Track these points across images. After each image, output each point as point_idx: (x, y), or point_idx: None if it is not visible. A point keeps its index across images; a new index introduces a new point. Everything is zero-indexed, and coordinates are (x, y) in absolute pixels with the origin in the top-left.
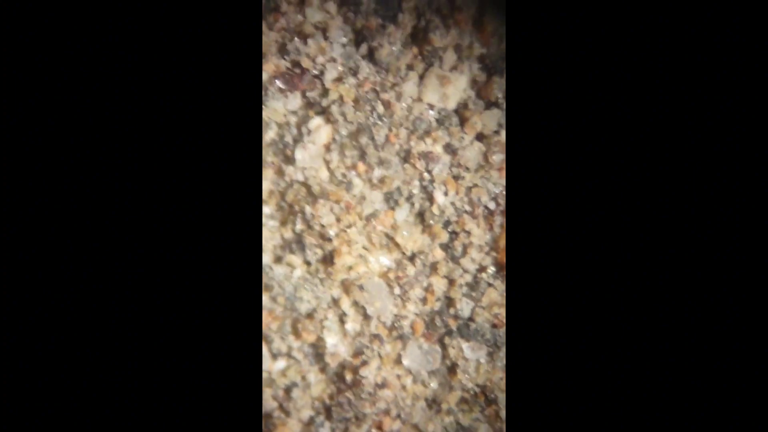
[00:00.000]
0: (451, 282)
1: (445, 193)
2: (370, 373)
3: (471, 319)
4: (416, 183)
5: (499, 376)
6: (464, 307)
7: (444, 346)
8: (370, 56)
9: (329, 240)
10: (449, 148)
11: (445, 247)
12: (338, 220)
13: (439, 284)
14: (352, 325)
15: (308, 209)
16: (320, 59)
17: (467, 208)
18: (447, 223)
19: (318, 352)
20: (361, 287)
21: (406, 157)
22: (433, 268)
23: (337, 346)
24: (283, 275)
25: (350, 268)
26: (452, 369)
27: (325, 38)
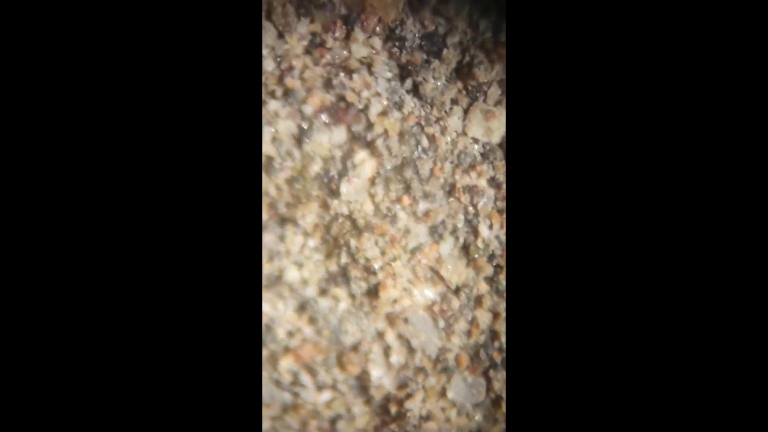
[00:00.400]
0: (496, 315)
1: (490, 227)
2: (414, 406)
3: None
4: (461, 217)
5: None
6: None
7: (488, 379)
8: (415, 91)
9: (374, 273)
10: (493, 182)
11: (490, 281)
12: (383, 253)
13: (484, 317)
14: (397, 357)
15: (353, 242)
16: (365, 93)
17: None
18: (491, 257)
19: (363, 384)
20: (405, 320)
21: (450, 190)
22: (478, 301)
23: (381, 378)
24: (328, 308)
25: (395, 301)
26: (497, 402)
27: (370, 73)
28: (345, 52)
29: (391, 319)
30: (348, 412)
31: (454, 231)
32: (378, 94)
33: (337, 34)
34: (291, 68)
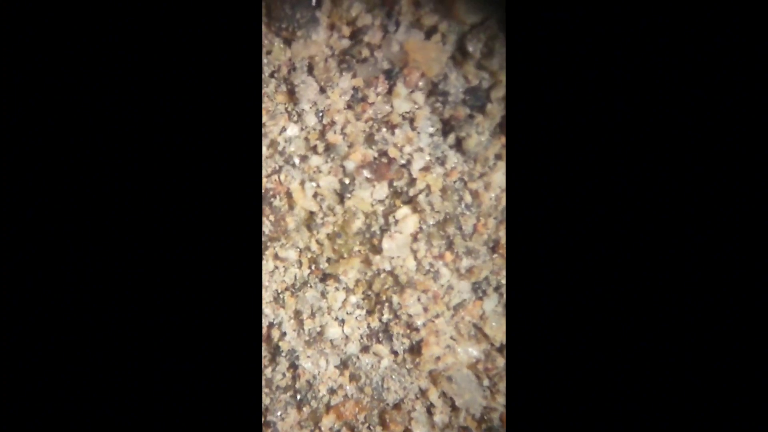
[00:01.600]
0: None
1: None
2: None
3: None
4: (504, 273)
5: None
6: None
7: None
8: (458, 146)
9: (417, 330)
10: None
11: None
12: (425, 309)
13: None
14: (441, 416)
15: (395, 299)
16: (407, 149)
17: None
18: None
19: None
20: (449, 378)
21: (494, 246)
22: None
23: None
24: (370, 365)
25: (438, 358)
26: None
27: (413, 128)
28: (387, 107)
29: (434, 377)
30: None
31: (498, 288)
32: (420, 150)
33: (379, 89)
34: (333, 123)
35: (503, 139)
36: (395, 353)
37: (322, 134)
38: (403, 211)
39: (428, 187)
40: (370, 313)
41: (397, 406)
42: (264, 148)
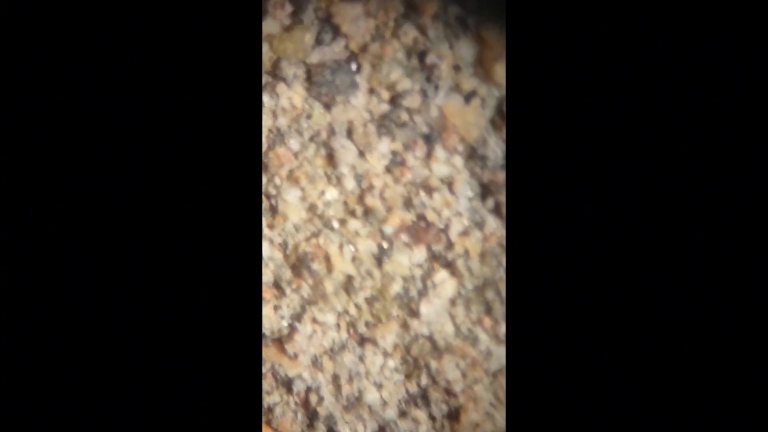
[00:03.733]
0: None
1: None
2: None
3: None
4: None
5: None
6: None
7: None
8: (497, 210)
9: (455, 396)
10: None
11: None
12: (464, 375)
13: None
14: None
15: (434, 364)
16: (446, 213)
17: None
18: None
19: None
20: None
21: None
22: None
23: None
24: (408, 430)
25: (477, 425)
26: None
27: (451, 192)
28: (426, 171)
29: None
30: None
31: None
32: (459, 214)
33: (418, 153)
34: (371, 187)
35: None
36: (433, 419)
37: (361, 198)
38: (442, 275)
39: (467, 251)
40: (408, 377)
41: None
42: (303, 212)
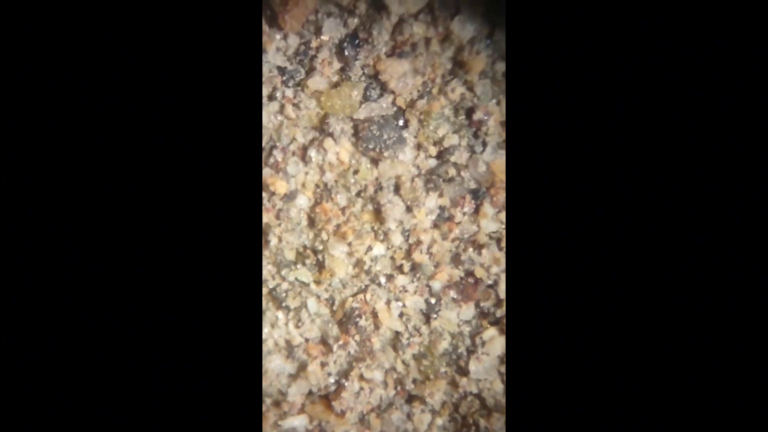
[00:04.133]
0: None
1: None
2: None
3: None
4: None
5: None
6: None
7: None
8: None
9: None
10: None
11: None
12: None
13: None
14: None
15: (482, 422)
16: (494, 269)
17: None
18: None
19: None
20: None
21: None
22: None
23: None
24: None
25: None
26: None
27: (500, 248)
28: (474, 227)
29: None
30: None
31: None
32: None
33: (465, 209)
34: (419, 243)
35: None
36: None
37: (409, 254)
38: (490, 332)
39: None
40: None
41: None
42: (350, 267)
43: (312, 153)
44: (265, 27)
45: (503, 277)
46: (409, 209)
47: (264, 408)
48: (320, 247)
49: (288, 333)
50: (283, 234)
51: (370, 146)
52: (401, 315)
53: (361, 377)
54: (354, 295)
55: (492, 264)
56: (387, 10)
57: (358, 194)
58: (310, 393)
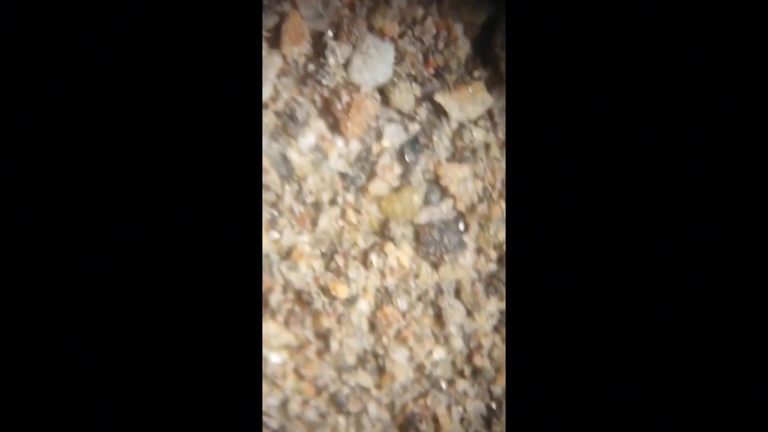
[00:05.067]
0: None
1: None
2: None
3: None
4: None
5: None
6: None
7: None
8: None
9: None
10: None
11: None
12: None
13: None
14: None
15: None
16: None
17: None
18: None
19: None
20: None
21: None
22: None
23: None
24: None
25: None
26: None
27: None
28: None
29: None
30: None
31: None
32: None
33: None
34: (480, 347)
35: None
36: None
37: (469, 358)
38: None
39: None
40: None
41: None
42: (410, 372)
43: (373, 257)
44: (327, 133)
45: None
46: (469, 313)
47: None
48: (381, 352)
49: None
50: (344, 339)
51: (431, 250)
52: (462, 420)
53: None
54: (414, 399)
55: None
56: (447, 116)
57: (419, 298)
58: None
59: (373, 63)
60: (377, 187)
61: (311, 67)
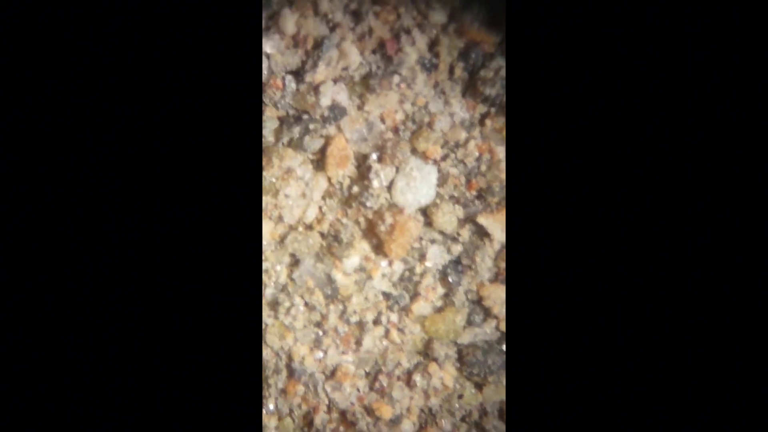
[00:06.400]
0: None
1: None
2: None
3: None
4: None
5: None
6: None
7: None
8: None
9: None
10: None
11: None
12: None
13: None
14: None
15: None
16: None
17: None
18: None
19: None
20: None
21: None
22: None
23: None
24: None
25: None
26: None
27: None
28: None
29: None
30: None
31: None
32: None
33: None
34: None
35: None
36: None
37: None
38: None
39: None
40: None
41: None
42: None
43: (417, 378)
44: (371, 254)
45: None
46: None
47: None
48: None
49: None
50: None
51: (474, 371)
52: None
53: None
54: None
55: None
56: (490, 237)
57: (463, 419)
58: None
59: (417, 185)
60: (420, 307)
61: (356, 189)
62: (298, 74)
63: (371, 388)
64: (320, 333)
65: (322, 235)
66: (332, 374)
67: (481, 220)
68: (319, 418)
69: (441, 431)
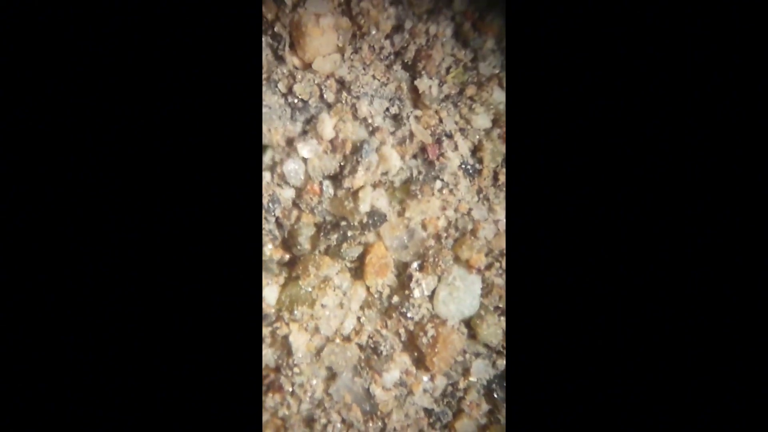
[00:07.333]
0: None
1: None
2: None
3: None
4: None
5: None
6: None
7: None
8: None
9: None
10: None
11: None
12: None
13: None
14: None
15: None
16: None
17: None
18: None
19: None
20: None
21: None
22: None
23: None
24: None
25: None
26: None
27: None
28: None
29: None
30: None
31: None
32: None
33: None
34: None
35: None
36: None
37: None
38: None
39: None
40: None
41: None
42: None
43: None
44: (411, 368)
45: None
46: None
47: None
48: None
49: None
50: None
51: None
52: None
53: None
54: None
55: None
56: None
57: None
58: None
59: (460, 295)
60: (464, 425)
61: (396, 299)
62: (336, 179)
63: None
64: None
65: (360, 347)
66: None
67: None
68: None
69: None
